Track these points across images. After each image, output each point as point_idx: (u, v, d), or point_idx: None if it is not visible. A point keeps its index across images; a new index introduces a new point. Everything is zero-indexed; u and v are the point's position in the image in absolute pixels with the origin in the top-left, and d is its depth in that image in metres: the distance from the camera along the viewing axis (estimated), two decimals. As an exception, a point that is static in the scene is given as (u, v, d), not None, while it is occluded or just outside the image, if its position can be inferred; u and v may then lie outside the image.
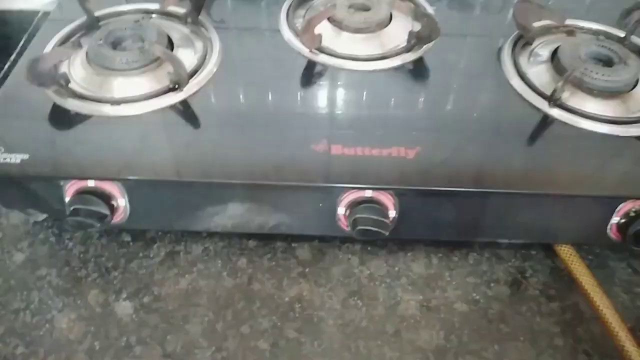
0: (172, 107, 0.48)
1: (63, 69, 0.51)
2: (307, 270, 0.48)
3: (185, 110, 0.49)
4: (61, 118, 0.48)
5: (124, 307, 0.46)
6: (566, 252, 0.46)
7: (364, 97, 0.50)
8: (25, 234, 0.51)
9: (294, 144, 0.46)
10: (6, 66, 0.65)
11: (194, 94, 0.50)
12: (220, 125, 0.48)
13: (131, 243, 0.50)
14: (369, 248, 0.50)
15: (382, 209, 0.43)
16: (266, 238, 0.50)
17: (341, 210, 0.45)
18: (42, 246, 0.50)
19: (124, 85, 0.49)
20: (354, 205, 0.44)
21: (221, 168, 0.44)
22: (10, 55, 0.66)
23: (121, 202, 0.45)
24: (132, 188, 0.44)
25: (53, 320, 0.45)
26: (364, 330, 0.45)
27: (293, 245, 0.50)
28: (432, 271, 0.48)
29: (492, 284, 0.47)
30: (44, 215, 0.51)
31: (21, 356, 0.43)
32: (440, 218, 0.46)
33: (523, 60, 0.53)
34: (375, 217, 0.43)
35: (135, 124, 0.47)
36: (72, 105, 0.48)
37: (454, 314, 0.46)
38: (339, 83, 0.52)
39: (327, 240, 0.50)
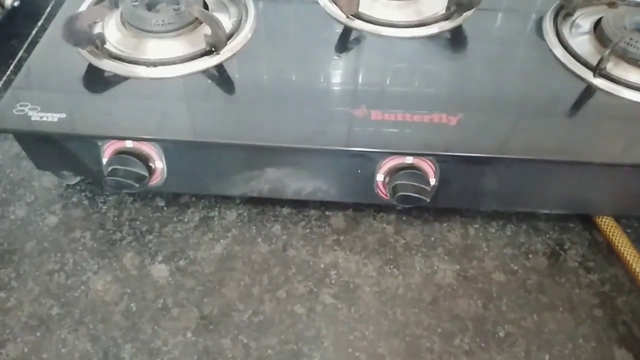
0: (208, 70, 0.48)
1: (97, 29, 0.50)
2: (341, 238, 0.48)
3: (220, 74, 0.48)
4: (97, 79, 0.47)
5: (160, 270, 0.45)
6: (607, 224, 0.46)
7: (402, 64, 0.49)
8: (58, 197, 0.50)
9: (333, 109, 0.45)
10: (34, 31, 0.64)
11: (229, 58, 0.49)
12: (257, 89, 0.47)
13: (165, 208, 0.50)
14: (404, 218, 0.49)
15: (423, 176, 0.43)
16: (300, 206, 0.50)
17: (380, 177, 0.44)
18: (75, 209, 0.49)
19: (159, 48, 0.49)
20: (393, 172, 0.43)
21: (259, 131, 0.43)
22: (38, 21, 0.65)
23: (158, 164, 0.45)
24: (170, 150, 0.44)
25: (88, 281, 0.45)
26: (400, 297, 0.44)
27: (327, 213, 0.50)
28: (469, 242, 0.48)
29: (530, 256, 0.47)
30: (77, 179, 0.51)
31: (57, 317, 0.43)
32: (481, 187, 0.45)
33: (565, 30, 0.51)
34: (416, 184, 0.42)
35: (172, 86, 0.46)
36: (108, 66, 0.47)
37: (492, 283, 0.45)
38: (376, 49, 0.51)
39: (361, 209, 0.50)
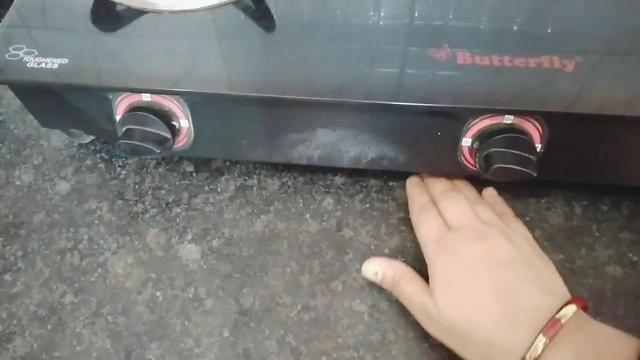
0: (242, 0, 0.38)
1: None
2: (410, 216, 0.39)
3: (258, 4, 0.38)
4: (106, 14, 0.37)
5: (190, 251, 0.38)
6: None
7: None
8: (69, 159, 0.43)
9: (404, 50, 0.34)
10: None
11: (269, -14, 0.38)
12: (303, 25, 0.37)
13: (194, 174, 0.41)
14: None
15: (528, 141, 0.32)
16: (356, 174, 0.41)
17: (467, 142, 0.34)
18: (89, 174, 0.42)
19: (181, -27, 0.39)
20: (487, 136, 0.33)
21: (309, 82, 0.33)
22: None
23: (184, 123, 0.36)
24: (197, 105, 0.35)
25: (106, 263, 0.37)
26: (486, 293, 0.35)
27: (391, 184, 0.40)
28: (575, 223, 0.38)
29: (654, 242, 0.37)
30: (90, 137, 0.43)
31: (70, 306, 0.36)
32: (602, 155, 0.34)
33: None
34: (518, 152, 0.32)
35: (199, 22, 0.37)
36: (119, -3, 0.38)
37: (606, 279, 0.35)
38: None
39: (433, 178, 0.40)
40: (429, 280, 0.33)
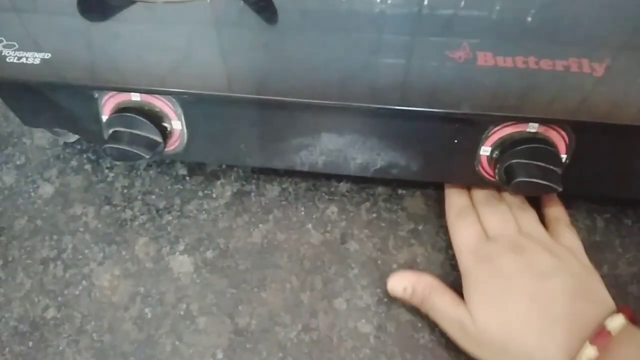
0: (243, -9, 0.34)
1: None
2: (420, 227, 0.36)
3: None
4: (95, 4, 0.34)
5: (182, 263, 0.35)
6: None
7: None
8: (53, 159, 0.40)
9: (419, 49, 0.31)
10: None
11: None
12: (310, 20, 0.34)
13: (187, 178, 0.38)
14: (504, 201, 0.37)
15: (553, 153, 0.30)
16: (363, 180, 0.38)
17: (486, 151, 0.31)
18: (75, 176, 0.39)
19: (175, -41, 0.35)
20: (508, 145, 0.30)
21: (314, 83, 0.30)
22: None
23: (176, 124, 0.33)
24: (191, 106, 0.32)
25: (91, 275, 0.35)
26: (502, 314, 0.33)
27: (400, 192, 0.38)
28: (597, 238, 0.35)
29: (682, 261, 0.34)
30: (76, 136, 0.40)
31: (53, 321, 0.33)
32: (633, 167, 0.32)
33: None
34: (542, 164, 0.29)
35: (196, 14, 0.34)
36: (107, -15, 0.34)
37: (629, 299, 0.33)
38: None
39: (445, 186, 0.37)
40: (464, 291, 0.31)
